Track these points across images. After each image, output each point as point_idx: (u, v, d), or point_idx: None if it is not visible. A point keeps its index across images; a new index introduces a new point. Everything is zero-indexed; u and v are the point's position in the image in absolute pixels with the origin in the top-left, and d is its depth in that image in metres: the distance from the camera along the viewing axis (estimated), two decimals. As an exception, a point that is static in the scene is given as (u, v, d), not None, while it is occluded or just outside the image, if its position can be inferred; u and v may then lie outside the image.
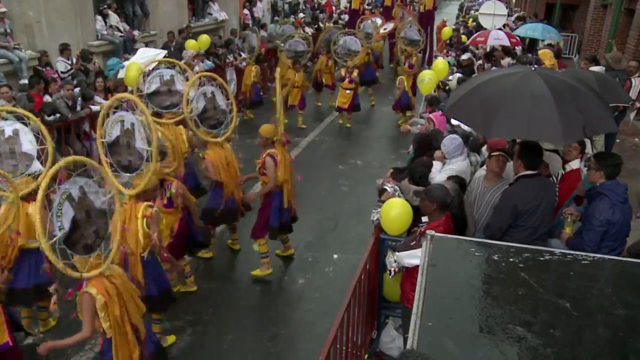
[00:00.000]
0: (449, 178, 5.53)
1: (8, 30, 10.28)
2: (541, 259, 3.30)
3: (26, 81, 10.13)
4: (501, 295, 2.98)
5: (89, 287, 4.23)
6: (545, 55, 10.58)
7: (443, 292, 2.95)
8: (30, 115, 5.72)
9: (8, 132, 5.51)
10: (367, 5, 26.37)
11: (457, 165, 6.08)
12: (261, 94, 14.09)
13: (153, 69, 7.88)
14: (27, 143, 5.53)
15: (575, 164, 5.83)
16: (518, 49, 14.56)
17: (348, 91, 13.17)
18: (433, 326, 2.62)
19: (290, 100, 13.18)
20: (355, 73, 13.12)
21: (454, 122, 7.31)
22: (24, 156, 5.55)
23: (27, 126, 5.58)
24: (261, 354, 5.84)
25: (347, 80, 13.13)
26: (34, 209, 4.17)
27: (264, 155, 6.73)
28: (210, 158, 6.87)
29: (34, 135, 5.55)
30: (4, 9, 10.07)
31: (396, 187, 5.70)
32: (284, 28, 17.03)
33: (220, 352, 5.81)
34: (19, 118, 5.63)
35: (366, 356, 5.58)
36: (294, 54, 13.90)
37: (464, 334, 2.65)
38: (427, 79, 9.86)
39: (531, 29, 14.58)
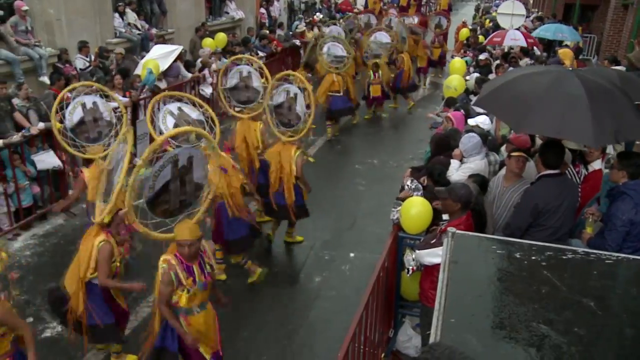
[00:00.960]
0: (470, 177, 5.50)
1: (29, 28, 10.38)
2: (564, 257, 3.25)
3: (45, 78, 10.24)
4: (524, 293, 2.94)
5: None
6: (566, 55, 10.49)
7: (465, 289, 2.92)
8: (107, 90, 6.75)
9: (89, 104, 6.41)
10: (384, 5, 26.39)
11: (475, 164, 6.04)
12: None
13: (233, 65, 8.25)
14: (107, 113, 6.52)
15: (597, 165, 5.78)
16: (536, 49, 14.45)
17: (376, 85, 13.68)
18: (456, 323, 2.59)
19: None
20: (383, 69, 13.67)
21: (471, 121, 7.27)
22: (105, 124, 6.52)
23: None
24: (277, 351, 5.84)
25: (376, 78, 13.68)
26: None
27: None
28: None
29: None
30: (26, 7, 10.16)
31: (417, 184, 5.67)
32: (331, 29, 16.15)
33: (236, 349, 5.81)
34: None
35: (382, 355, 5.57)
36: (332, 58, 12.92)
37: (486, 331, 2.62)
38: (453, 89, 9.72)
39: (543, 30, 14.52)
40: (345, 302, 6.54)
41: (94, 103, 6.45)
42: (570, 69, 4.99)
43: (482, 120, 7.19)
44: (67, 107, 6.28)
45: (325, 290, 6.83)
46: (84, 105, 6.38)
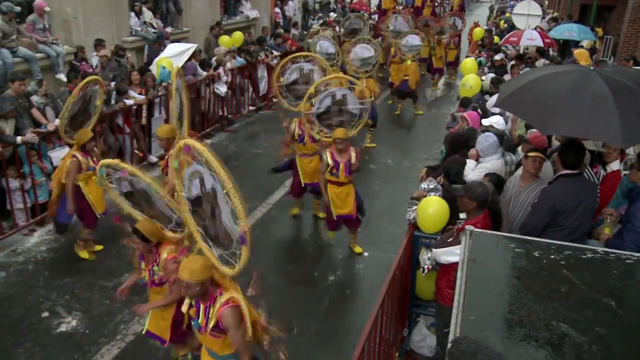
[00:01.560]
0: (486, 175, 5.47)
1: (47, 26, 10.47)
2: (583, 256, 3.23)
3: (62, 75, 10.32)
4: (543, 292, 2.91)
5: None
6: (582, 55, 10.40)
7: (484, 287, 2.91)
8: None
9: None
10: (398, 6, 26.33)
11: (491, 163, 6.01)
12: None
13: (294, 63, 8.34)
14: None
15: (615, 165, 5.73)
16: (550, 50, 14.36)
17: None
18: (475, 320, 2.58)
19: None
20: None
21: (485, 121, 7.23)
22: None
23: None
24: (290, 348, 5.76)
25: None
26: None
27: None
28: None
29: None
30: (47, 8, 10.27)
31: (437, 184, 5.64)
32: (320, 44, 16.06)
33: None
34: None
35: (397, 354, 5.55)
36: (360, 62, 12.27)
37: (506, 329, 2.61)
38: (469, 87, 9.65)
39: (553, 31, 14.43)
40: (359, 300, 6.55)
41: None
42: (592, 68, 4.92)
43: (496, 120, 7.16)
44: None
45: (340, 289, 6.81)
46: (84, 96, 7.11)
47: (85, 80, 7.04)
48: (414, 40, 14.24)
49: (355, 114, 7.32)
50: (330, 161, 6.96)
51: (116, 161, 4.54)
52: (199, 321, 4.01)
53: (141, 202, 4.69)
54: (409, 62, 13.82)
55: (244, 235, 3.46)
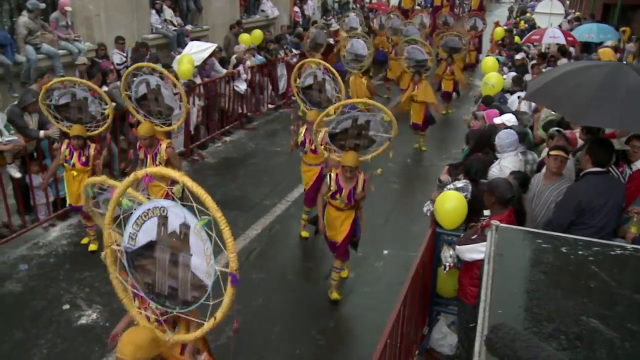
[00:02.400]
0: (511, 173, 5.41)
1: (69, 23, 10.57)
2: (612, 253, 3.16)
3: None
4: (572, 287, 2.86)
5: None
6: (606, 54, 10.26)
7: (511, 281, 2.86)
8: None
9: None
10: (418, 5, 26.21)
11: (508, 161, 5.95)
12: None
13: (308, 66, 8.39)
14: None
15: (641, 163, 5.63)
16: (573, 49, 14.19)
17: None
18: (503, 314, 2.53)
19: (413, 117, 11.55)
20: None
21: (497, 120, 7.13)
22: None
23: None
24: (309, 346, 5.82)
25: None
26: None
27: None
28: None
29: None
30: (69, 7, 10.37)
31: (465, 183, 5.58)
32: (408, 29, 15.89)
33: (269, 343, 5.81)
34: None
35: (417, 352, 5.51)
36: (414, 63, 11.97)
37: (535, 324, 2.55)
38: (491, 85, 9.54)
39: (577, 32, 14.28)
40: (378, 298, 6.50)
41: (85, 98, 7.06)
42: (625, 62, 4.87)
43: (507, 119, 7.08)
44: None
45: (359, 287, 6.78)
46: (74, 95, 7.03)
47: (57, 80, 7.16)
48: (454, 42, 13.77)
49: (376, 141, 6.45)
50: (333, 185, 6.19)
51: (102, 178, 3.87)
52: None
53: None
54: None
55: (234, 274, 2.96)
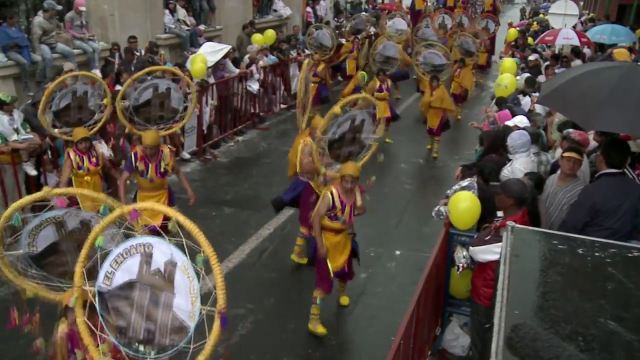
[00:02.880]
0: (526, 174, 5.38)
1: (84, 23, 10.65)
2: (629, 255, 3.13)
3: (97, 71, 10.47)
4: (589, 289, 2.84)
5: None
6: (621, 55, 10.17)
7: (527, 282, 2.84)
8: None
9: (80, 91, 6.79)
10: (431, 5, 26.14)
11: (520, 162, 5.92)
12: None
13: None
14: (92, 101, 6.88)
15: (657, 166, 5.58)
16: (587, 50, 14.08)
17: (312, 84, 11.95)
18: (519, 315, 2.51)
19: (430, 122, 11.31)
20: (320, 67, 13.13)
21: (508, 122, 7.10)
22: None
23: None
24: (322, 345, 5.82)
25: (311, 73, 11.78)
26: None
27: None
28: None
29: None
30: (84, 8, 10.46)
31: (472, 182, 5.57)
32: (424, 31, 16.01)
33: (281, 341, 5.81)
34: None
35: (429, 353, 5.49)
36: (431, 67, 11.91)
37: (552, 325, 2.54)
38: (504, 87, 9.49)
39: (590, 33, 14.14)
40: (391, 298, 6.50)
41: (85, 92, 6.89)
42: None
43: (519, 120, 7.05)
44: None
45: (371, 287, 6.78)
46: (74, 92, 6.79)
47: (62, 77, 6.84)
48: (469, 46, 13.55)
49: (365, 145, 6.01)
50: (337, 201, 5.56)
51: (43, 192, 3.31)
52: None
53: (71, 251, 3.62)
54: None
55: (224, 313, 2.79)
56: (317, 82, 12.67)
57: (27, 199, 3.35)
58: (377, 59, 13.16)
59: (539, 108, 8.44)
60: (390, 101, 12.25)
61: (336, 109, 5.57)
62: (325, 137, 5.66)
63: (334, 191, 5.57)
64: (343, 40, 16.49)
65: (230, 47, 12.07)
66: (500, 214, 4.71)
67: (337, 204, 5.58)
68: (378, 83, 11.33)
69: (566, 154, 5.26)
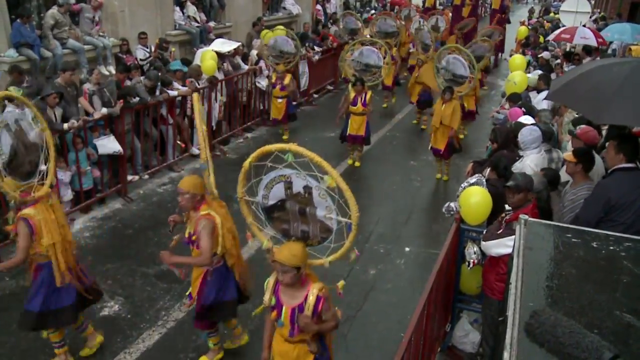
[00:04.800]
0: (542, 170, 5.34)
1: (97, 19, 10.67)
2: (645, 248, 3.09)
3: (111, 67, 10.53)
4: (603, 281, 2.79)
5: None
6: (637, 53, 10.06)
7: (541, 275, 2.80)
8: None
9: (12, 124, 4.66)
10: (440, 5, 26.06)
11: (531, 159, 5.87)
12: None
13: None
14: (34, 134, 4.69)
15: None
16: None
17: (280, 100, 11.55)
18: (534, 307, 2.47)
19: (435, 142, 9.62)
20: (287, 79, 11.40)
21: (520, 121, 7.04)
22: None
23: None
24: (332, 341, 5.78)
25: (278, 87, 11.48)
26: None
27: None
28: None
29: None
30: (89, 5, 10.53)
31: (480, 179, 5.52)
32: (421, 34, 14.63)
33: (290, 337, 5.78)
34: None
35: (439, 349, 5.46)
36: (451, 76, 10.35)
37: (567, 317, 2.49)
38: (514, 83, 9.39)
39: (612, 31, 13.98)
40: (400, 295, 6.46)
41: (17, 122, 4.69)
42: None
43: (525, 119, 6.98)
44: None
45: (381, 283, 6.73)
46: (7, 127, 4.63)
47: None
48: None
49: (330, 228, 3.74)
50: (269, 294, 3.90)
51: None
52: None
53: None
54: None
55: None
56: (284, 97, 11.55)
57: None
58: (355, 67, 11.40)
59: (544, 104, 8.37)
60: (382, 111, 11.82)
61: (245, 163, 3.84)
62: (252, 200, 4.00)
63: (271, 279, 3.94)
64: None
65: (240, 43, 12.07)
66: (507, 207, 4.67)
67: (269, 298, 3.90)
68: (353, 94, 9.93)
69: (566, 156, 5.27)
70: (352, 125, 10.00)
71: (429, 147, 9.77)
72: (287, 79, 11.45)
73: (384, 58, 11.46)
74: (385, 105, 14.47)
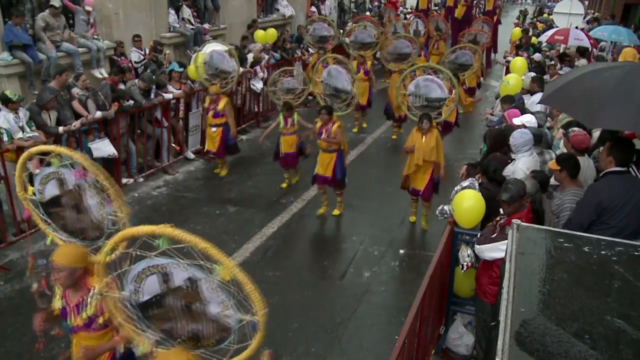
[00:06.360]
0: (532, 173, 5.37)
1: (91, 21, 10.65)
2: (636, 253, 3.13)
3: (103, 70, 10.50)
4: (594, 286, 2.83)
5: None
6: (628, 54, 10.12)
7: (533, 280, 2.83)
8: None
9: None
10: (435, 5, 26.10)
11: (522, 162, 5.89)
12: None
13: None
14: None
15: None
16: (595, 50, 14.02)
17: (214, 129, 9.57)
18: (526, 312, 2.50)
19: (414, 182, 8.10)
20: (221, 104, 9.45)
21: (516, 120, 7.06)
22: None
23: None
24: (326, 343, 5.81)
25: (211, 113, 9.60)
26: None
27: None
28: None
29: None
30: (90, 8, 10.47)
31: (473, 182, 5.55)
32: (395, 44, 13.69)
33: (285, 340, 5.80)
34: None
35: (433, 351, 5.48)
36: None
37: (558, 322, 2.52)
38: (506, 82, 9.44)
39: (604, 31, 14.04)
40: (394, 297, 6.50)
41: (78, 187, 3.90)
42: None
43: (528, 119, 7.01)
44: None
45: (375, 285, 6.76)
46: (61, 181, 3.92)
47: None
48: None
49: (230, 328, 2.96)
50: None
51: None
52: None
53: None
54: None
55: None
56: (219, 125, 9.56)
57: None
58: (324, 90, 9.32)
59: (538, 107, 8.41)
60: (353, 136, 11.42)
61: (100, 257, 3.15)
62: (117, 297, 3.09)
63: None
64: (347, 40, 16.44)
65: (233, 47, 12.07)
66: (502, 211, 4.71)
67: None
68: (319, 124, 8.11)
69: (551, 164, 5.31)
70: (320, 162, 8.22)
71: (400, 186, 8.19)
72: (222, 103, 9.44)
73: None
74: (355, 129, 12.88)
